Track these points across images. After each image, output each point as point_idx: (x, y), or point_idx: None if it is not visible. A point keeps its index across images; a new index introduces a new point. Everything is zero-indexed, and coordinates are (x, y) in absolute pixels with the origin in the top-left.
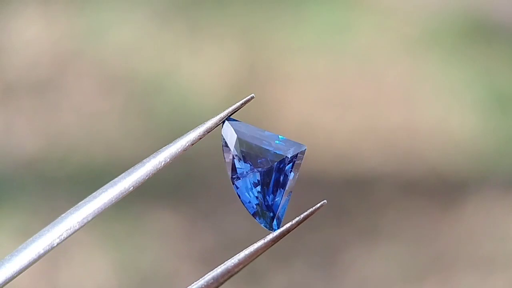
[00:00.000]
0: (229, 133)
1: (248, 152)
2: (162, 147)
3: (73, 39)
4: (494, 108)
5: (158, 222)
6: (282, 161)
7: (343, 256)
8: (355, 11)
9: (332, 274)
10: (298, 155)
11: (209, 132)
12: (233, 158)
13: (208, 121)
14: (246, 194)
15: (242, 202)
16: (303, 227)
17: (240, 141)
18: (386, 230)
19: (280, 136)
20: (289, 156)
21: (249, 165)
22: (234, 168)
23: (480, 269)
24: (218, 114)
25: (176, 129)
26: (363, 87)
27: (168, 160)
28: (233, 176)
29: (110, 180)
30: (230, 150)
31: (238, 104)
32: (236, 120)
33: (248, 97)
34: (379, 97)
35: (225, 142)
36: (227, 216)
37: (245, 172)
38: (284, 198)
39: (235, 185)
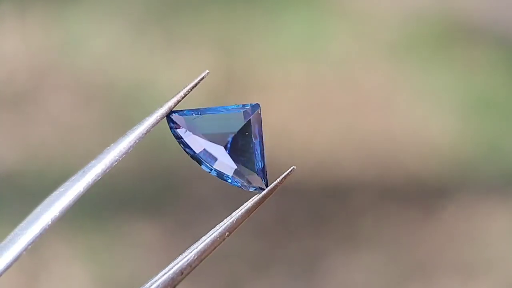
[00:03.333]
0: (180, 130)
1: (210, 141)
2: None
3: (50, 52)
4: (474, 112)
5: (138, 234)
6: (244, 126)
7: (323, 264)
8: (332, 18)
9: (312, 282)
10: (253, 114)
11: (154, 126)
12: (195, 152)
13: (153, 114)
14: (225, 172)
15: (225, 180)
16: (282, 235)
17: (192, 130)
18: (365, 237)
19: (227, 106)
20: (246, 118)
21: (213, 146)
22: (202, 160)
23: (461, 274)
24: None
25: (155, 140)
26: (341, 94)
27: (118, 158)
28: (205, 166)
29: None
30: (190, 147)
31: (182, 92)
32: (179, 111)
33: (202, 74)
34: (357, 104)
35: (178, 135)
36: (207, 227)
37: (215, 160)
38: (260, 155)
39: (212, 170)
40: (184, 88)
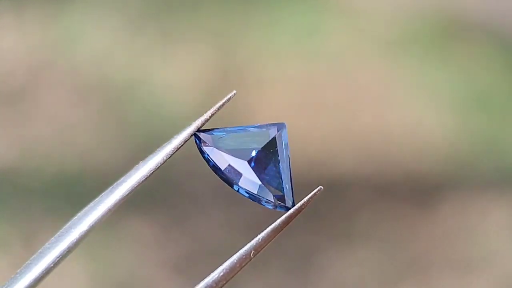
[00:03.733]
0: (206, 147)
1: (235, 157)
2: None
3: (46, 49)
4: (470, 108)
5: (132, 231)
6: (269, 143)
7: (318, 260)
8: (328, 14)
9: (307, 278)
10: (280, 133)
11: (182, 145)
12: (221, 169)
13: (180, 133)
14: (250, 190)
15: (253, 200)
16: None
17: (219, 149)
18: (361, 234)
19: (254, 125)
20: (271, 136)
21: (240, 164)
22: (229, 179)
23: (456, 270)
24: (191, 121)
25: (150, 137)
26: (337, 90)
27: (146, 175)
28: (234, 186)
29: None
30: (215, 163)
31: (216, 106)
32: (206, 130)
33: (229, 95)
34: (353, 100)
35: (204, 152)
36: (202, 224)
37: (240, 176)
38: (286, 173)
39: (240, 191)
40: (211, 108)
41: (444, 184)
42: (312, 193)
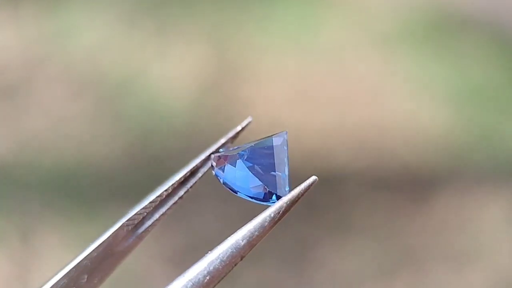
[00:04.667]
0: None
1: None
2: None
3: (42, 44)
4: (465, 102)
5: None
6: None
7: (315, 252)
8: (323, 8)
9: (303, 270)
10: (278, 136)
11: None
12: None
13: (193, 160)
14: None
15: (250, 198)
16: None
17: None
18: (357, 226)
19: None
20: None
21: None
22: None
23: (452, 262)
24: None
25: (145, 130)
26: (332, 84)
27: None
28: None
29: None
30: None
31: (232, 132)
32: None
33: (244, 122)
34: (349, 94)
35: (223, 180)
36: (197, 217)
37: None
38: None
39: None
40: (227, 134)
41: (439, 176)
42: (306, 183)
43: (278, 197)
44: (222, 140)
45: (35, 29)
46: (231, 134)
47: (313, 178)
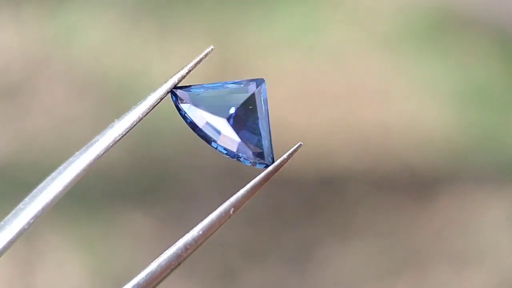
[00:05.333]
0: (183, 104)
1: (213, 114)
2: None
3: (44, 43)
4: (468, 102)
5: (131, 224)
6: (248, 99)
7: (318, 253)
8: (326, 8)
9: (306, 271)
10: (259, 88)
11: (158, 102)
12: (199, 127)
13: (157, 89)
14: (229, 148)
15: (237, 159)
16: (276, 225)
17: (196, 106)
18: (360, 227)
19: (232, 82)
20: (250, 92)
21: (219, 121)
22: (207, 136)
23: (454, 263)
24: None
25: (149, 131)
26: (335, 84)
27: (122, 133)
28: (212, 143)
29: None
30: (194, 121)
31: (193, 62)
32: (183, 87)
33: (207, 50)
34: (352, 94)
35: (181, 109)
36: (199, 217)
37: (218, 133)
38: (266, 130)
39: (219, 148)
40: (188, 64)
41: (442, 177)
42: (293, 149)
43: (258, 157)
44: (183, 72)
45: (37, 29)
46: (191, 64)
47: (299, 143)
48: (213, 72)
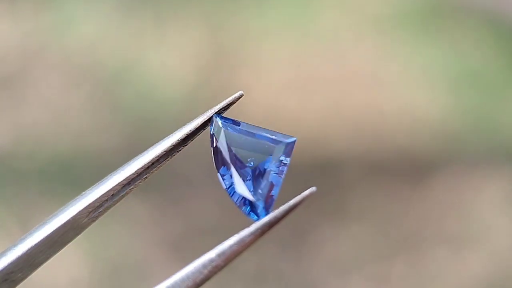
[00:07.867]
0: (217, 130)
1: (239, 149)
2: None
3: (40, 34)
4: (462, 86)
5: (128, 211)
6: (274, 153)
7: (313, 237)
8: None
9: (302, 255)
10: (289, 146)
11: (198, 129)
12: (222, 154)
13: (196, 118)
14: (237, 188)
15: (229, 195)
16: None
17: (229, 137)
18: (355, 211)
19: (269, 131)
20: (282, 148)
21: (239, 162)
22: (222, 163)
23: (450, 245)
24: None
25: (143, 119)
26: (329, 69)
27: (158, 157)
28: (222, 173)
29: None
30: (220, 148)
31: (226, 101)
32: (225, 118)
33: (237, 94)
34: (346, 79)
35: (214, 139)
36: (196, 203)
37: (235, 169)
38: (276, 190)
39: (225, 181)
40: (222, 102)
41: (437, 161)
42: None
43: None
44: (212, 111)
45: (32, 20)
46: (221, 105)
47: (312, 189)
48: (208, 59)
